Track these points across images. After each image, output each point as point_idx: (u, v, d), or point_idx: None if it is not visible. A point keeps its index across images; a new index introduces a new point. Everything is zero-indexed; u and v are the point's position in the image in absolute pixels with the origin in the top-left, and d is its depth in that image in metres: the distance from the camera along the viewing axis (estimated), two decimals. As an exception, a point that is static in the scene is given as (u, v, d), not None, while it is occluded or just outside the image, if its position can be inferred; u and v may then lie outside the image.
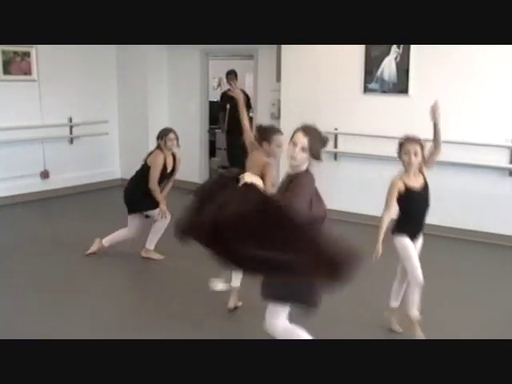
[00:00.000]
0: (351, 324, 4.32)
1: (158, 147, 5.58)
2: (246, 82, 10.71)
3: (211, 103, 9.41)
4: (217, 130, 10.45)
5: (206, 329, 4.21)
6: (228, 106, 8.94)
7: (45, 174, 8.28)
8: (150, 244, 5.71)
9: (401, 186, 4.06)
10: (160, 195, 5.57)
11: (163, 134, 5.57)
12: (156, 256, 5.70)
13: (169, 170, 5.63)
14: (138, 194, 5.60)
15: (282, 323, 3.24)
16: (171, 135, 5.56)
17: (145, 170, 5.57)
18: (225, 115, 9.16)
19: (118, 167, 9.32)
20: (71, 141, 8.63)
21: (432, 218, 6.52)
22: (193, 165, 8.79)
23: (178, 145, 5.67)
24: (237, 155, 9.40)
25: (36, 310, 4.56)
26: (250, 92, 9.32)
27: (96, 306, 4.66)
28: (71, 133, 8.59)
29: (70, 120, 8.52)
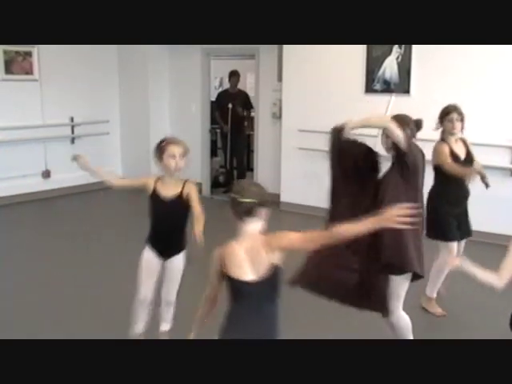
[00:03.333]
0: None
1: None
2: (248, 81, 10.70)
3: (213, 103, 9.41)
4: (218, 130, 10.47)
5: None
6: (230, 106, 8.94)
7: (46, 174, 8.29)
8: None
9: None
10: None
11: None
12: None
13: None
14: None
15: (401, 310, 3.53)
16: None
17: None
18: (224, 114, 9.12)
19: (119, 167, 9.32)
20: (73, 140, 8.64)
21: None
22: (194, 165, 8.77)
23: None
24: (241, 152, 9.42)
25: (34, 308, 4.57)
26: (251, 92, 9.32)
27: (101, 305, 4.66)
28: (73, 132, 8.60)
29: (72, 120, 8.53)
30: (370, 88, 7.06)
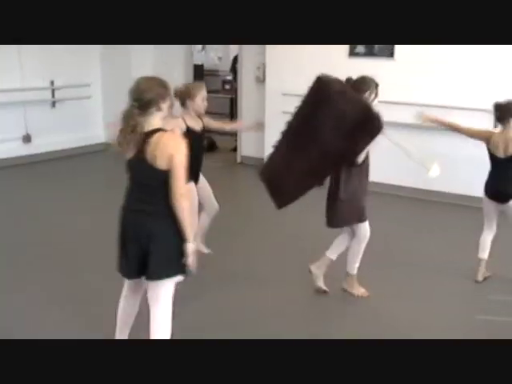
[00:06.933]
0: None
1: None
2: (231, 46, 10.58)
3: (195, 66, 9.29)
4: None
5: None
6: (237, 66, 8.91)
7: (27, 138, 8.18)
8: None
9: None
10: None
11: None
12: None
13: None
14: None
15: None
16: None
17: None
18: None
19: (101, 131, 9.21)
20: (53, 104, 8.50)
21: (418, 182, 6.63)
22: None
23: None
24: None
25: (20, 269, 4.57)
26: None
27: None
28: (53, 96, 8.46)
29: (52, 83, 8.38)
30: (353, 52, 7.00)
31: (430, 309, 4.18)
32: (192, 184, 4.15)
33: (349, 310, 4.22)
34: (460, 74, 6.41)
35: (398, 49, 6.71)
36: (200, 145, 4.34)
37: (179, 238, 2.88)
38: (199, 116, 4.33)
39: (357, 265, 4.26)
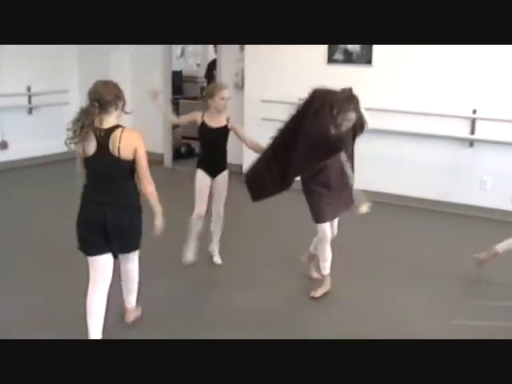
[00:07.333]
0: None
1: None
2: (210, 50, 10.58)
3: (174, 73, 9.27)
4: (180, 100, 10.34)
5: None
6: (214, 73, 8.95)
7: (3, 145, 8.08)
8: None
9: None
10: None
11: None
12: None
13: None
14: None
15: None
16: None
17: None
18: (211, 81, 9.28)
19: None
20: (30, 111, 8.42)
21: (393, 188, 6.69)
22: (155, 135, 8.66)
23: None
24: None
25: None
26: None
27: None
28: (30, 102, 8.38)
29: (29, 89, 8.30)
30: (331, 58, 7.04)
31: (414, 311, 4.23)
32: (200, 171, 4.68)
33: (333, 311, 4.27)
34: (438, 81, 6.49)
35: (376, 56, 6.77)
36: (214, 140, 4.69)
37: (141, 218, 3.48)
38: (220, 115, 4.67)
39: (324, 264, 4.34)
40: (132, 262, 3.69)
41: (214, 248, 4.96)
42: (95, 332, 3.38)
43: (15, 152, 8.16)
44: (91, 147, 3.28)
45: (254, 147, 4.55)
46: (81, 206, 3.41)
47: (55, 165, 8.42)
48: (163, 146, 8.84)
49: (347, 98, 3.96)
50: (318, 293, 4.34)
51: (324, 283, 4.38)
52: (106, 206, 3.31)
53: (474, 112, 6.33)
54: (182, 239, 4.74)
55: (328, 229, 4.25)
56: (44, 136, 8.50)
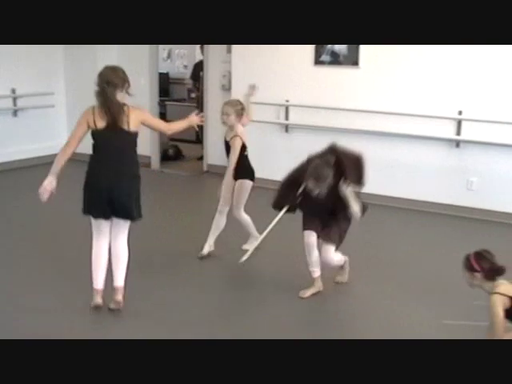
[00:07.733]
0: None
1: None
2: (197, 52, 10.56)
3: (161, 75, 9.24)
4: (167, 103, 10.32)
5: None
6: (201, 74, 8.92)
7: (-13, 148, 8.02)
8: None
9: None
10: None
11: None
12: None
13: None
14: None
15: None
16: None
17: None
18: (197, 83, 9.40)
19: (65, 140, 9.05)
20: (15, 113, 8.35)
21: (381, 188, 6.70)
22: (143, 138, 8.57)
23: None
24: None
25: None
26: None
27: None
28: (15, 105, 8.32)
29: (13, 91, 8.24)
30: (319, 60, 7.06)
31: (406, 312, 4.24)
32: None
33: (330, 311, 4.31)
34: (424, 82, 6.52)
35: (363, 57, 6.78)
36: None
37: (139, 188, 3.95)
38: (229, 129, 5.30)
39: (312, 268, 4.42)
40: (122, 235, 3.98)
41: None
42: (99, 282, 3.95)
43: (0, 155, 8.09)
44: (102, 122, 3.81)
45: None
46: (89, 174, 3.89)
47: (41, 167, 8.33)
48: (151, 149, 8.80)
49: (309, 171, 4.23)
50: (307, 293, 4.42)
51: (313, 285, 4.46)
52: (112, 174, 3.78)
53: (460, 113, 6.36)
54: (172, 240, 4.72)
55: (309, 238, 4.37)
56: (30, 139, 8.45)
